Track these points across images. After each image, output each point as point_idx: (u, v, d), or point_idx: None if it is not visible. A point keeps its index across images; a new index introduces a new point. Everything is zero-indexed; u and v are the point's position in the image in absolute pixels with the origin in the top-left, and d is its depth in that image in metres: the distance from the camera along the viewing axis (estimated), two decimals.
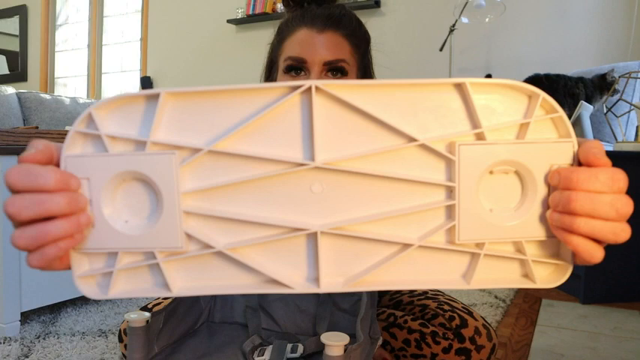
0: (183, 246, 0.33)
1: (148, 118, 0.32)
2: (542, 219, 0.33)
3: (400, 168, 0.33)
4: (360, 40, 0.77)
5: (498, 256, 0.34)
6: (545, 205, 0.32)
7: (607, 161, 0.31)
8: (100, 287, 0.34)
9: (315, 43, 0.72)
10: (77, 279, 0.34)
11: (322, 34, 0.73)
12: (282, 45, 0.77)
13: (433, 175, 0.33)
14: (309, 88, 0.31)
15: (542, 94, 0.32)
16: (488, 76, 2.56)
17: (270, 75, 0.82)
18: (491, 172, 0.33)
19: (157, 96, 0.31)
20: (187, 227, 0.33)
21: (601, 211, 0.30)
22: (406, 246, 0.33)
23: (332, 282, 0.34)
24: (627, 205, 0.31)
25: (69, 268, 0.34)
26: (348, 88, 0.32)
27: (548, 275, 0.35)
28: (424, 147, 0.32)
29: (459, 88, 0.32)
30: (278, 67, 0.78)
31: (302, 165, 0.32)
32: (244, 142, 0.32)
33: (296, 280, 0.34)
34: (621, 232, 0.31)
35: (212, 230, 0.33)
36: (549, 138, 0.32)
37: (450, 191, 0.33)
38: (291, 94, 0.31)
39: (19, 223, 0.31)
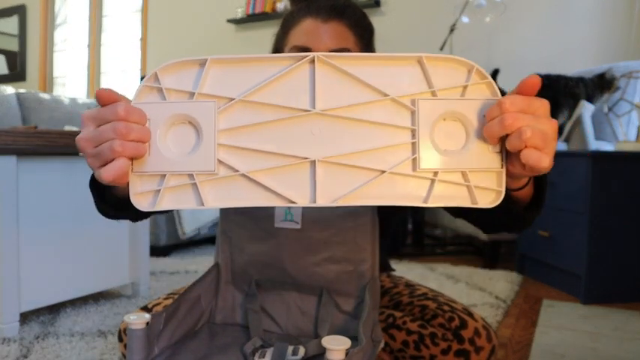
0: (216, 169, 0.44)
1: (196, 77, 0.44)
2: (479, 155, 0.44)
3: (378, 116, 0.45)
4: (363, 30, 0.79)
5: (450, 182, 0.45)
6: (481, 144, 0.44)
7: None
8: (150, 202, 0.45)
9: (319, 33, 0.74)
10: (133, 196, 0.45)
11: (327, 23, 0.75)
12: (288, 35, 0.79)
13: (401, 122, 0.45)
14: (314, 57, 0.44)
15: (476, 66, 0.44)
16: (496, 70, 2.54)
17: None
18: (444, 120, 0.45)
19: (204, 61, 0.44)
20: (220, 155, 0.44)
21: (497, 109, 0.43)
22: (381, 172, 0.45)
23: (325, 199, 0.45)
24: (509, 98, 0.43)
25: (126, 186, 0.45)
26: (343, 59, 0.44)
27: (488, 199, 0.46)
28: (395, 101, 0.44)
29: (420, 60, 0.44)
30: None
31: (306, 111, 0.44)
32: (266, 96, 0.44)
33: (298, 197, 0.45)
34: (515, 119, 0.42)
35: (237, 160, 0.45)
36: (483, 96, 0.45)
37: (413, 134, 0.44)
38: (300, 62, 0.44)
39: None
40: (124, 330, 0.80)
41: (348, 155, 0.45)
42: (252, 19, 3.73)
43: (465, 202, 0.45)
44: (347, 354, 0.47)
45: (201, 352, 0.63)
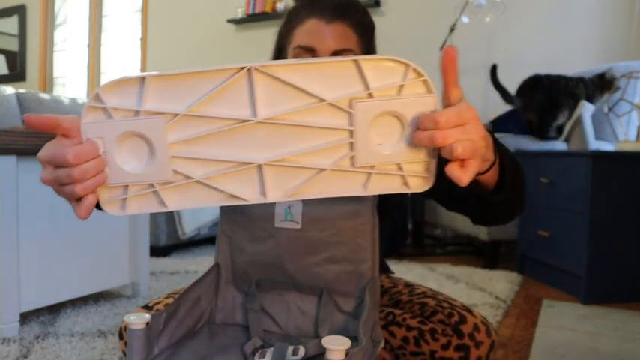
0: (172, 178, 0.47)
1: (140, 93, 0.44)
2: (412, 146, 0.47)
3: (317, 119, 0.46)
4: (365, 29, 0.81)
5: (386, 174, 0.48)
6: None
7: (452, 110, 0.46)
8: (119, 208, 0.49)
9: (323, 34, 0.76)
10: (103, 204, 0.49)
11: (330, 24, 0.77)
12: (291, 34, 0.80)
13: (339, 123, 0.46)
14: (251, 68, 0.45)
15: (412, 65, 0.45)
16: (494, 66, 2.54)
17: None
18: (381, 116, 0.46)
19: (144, 78, 0.44)
20: (174, 166, 0.47)
21: (431, 123, 0.45)
22: (323, 170, 0.48)
23: (275, 195, 0.49)
24: (445, 115, 0.44)
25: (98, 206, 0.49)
26: (279, 67, 0.45)
27: (419, 185, 0.49)
28: (332, 104, 0.46)
29: (356, 62, 0.45)
30: (286, 53, 0.81)
31: (248, 120, 0.46)
32: (209, 108, 0.46)
33: (250, 196, 0.49)
34: (445, 138, 0.44)
35: (191, 167, 0.47)
36: (419, 93, 0.46)
37: (351, 133, 0.47)
38: (238, 73, 0.44)
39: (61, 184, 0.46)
40: (125, 327, 0.80)
41: (291, 157, 0.47)
42: (252, 19, 3.73)
43: (400, 189, 0.49)
44: (347, 354, 0.47)
45: (201, 352, 0.63)
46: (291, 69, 0.45)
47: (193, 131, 0.46)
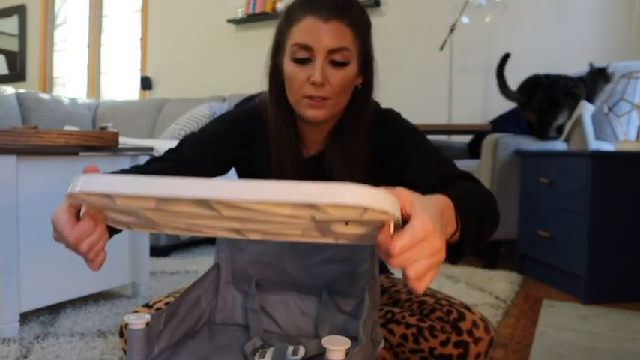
0: (161, 227, 0.54)
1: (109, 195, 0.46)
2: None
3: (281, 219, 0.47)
4: (361, 27, 0.82)
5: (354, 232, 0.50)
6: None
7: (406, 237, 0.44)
8: (126, 228, 0.56)
9: (320, 32, 0.77)
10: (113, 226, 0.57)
11: (327, 23, 0.78)
12: (290, 30, 0.81)
13: (305, 223, 0.47)
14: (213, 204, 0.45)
15: (371, 208, 0.42)
16: (507, 55, 2.48)
17: (276, 55, 0.86)
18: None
19: (110, 194, 0.46)
20: (160, 222, 0.52)
21: (383, 251, 0.44)
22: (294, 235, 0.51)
23: (254, 236, 0.53)
24: (398, 245, 0.43)
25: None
26: (236, 204, 0.43)
27: None
28: (294, 215, 0.45)
29: (312, 206, 0.42)
30: (284, 49, 0.83)
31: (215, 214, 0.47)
32: (179, 203, 0.46)
33: (232, 235, 0.53)
34: (400, 264, 0.44)
35: (175, 224, 0.53)
36: (380, 216, 0.44)
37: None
38: (198, 202, 0.44)
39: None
40: (126, 326, 0.80)
41: (262, 228, 0.50)
42: (252, 19, 3.73)
43: (369, 242, 0.51)
44: (347, 354, 0.47)
45: (201, 352, 0.63)
46: (247, 206, 0.43)
47: (168, 213, 0.48)
